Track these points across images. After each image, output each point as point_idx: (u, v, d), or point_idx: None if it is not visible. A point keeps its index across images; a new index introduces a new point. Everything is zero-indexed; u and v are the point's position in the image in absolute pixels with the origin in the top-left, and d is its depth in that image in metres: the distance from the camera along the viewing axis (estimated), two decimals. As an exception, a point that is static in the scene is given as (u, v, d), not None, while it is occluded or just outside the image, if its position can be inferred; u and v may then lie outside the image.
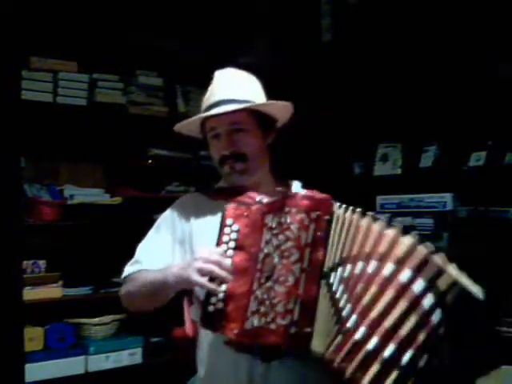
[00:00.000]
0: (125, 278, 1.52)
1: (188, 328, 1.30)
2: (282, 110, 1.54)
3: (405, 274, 1.11)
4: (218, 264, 1.23)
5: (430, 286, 1.10)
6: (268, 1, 3.54)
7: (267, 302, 1.21)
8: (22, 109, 2.73)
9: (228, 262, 1.25)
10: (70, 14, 3.00)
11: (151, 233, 1.56)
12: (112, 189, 3.17)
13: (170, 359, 3.04)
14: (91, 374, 2.91)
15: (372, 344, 1.10)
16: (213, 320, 1.25)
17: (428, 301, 1.09)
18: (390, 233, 1.16)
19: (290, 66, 3.46)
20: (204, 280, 1.23)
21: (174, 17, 3.28)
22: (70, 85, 2.98)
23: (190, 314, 1.34)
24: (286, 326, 1.19)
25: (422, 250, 1.12)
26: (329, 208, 1.24)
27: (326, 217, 1.22)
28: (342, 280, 1.19)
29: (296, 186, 1.58)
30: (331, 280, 1.20)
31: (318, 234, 1.22)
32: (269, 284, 1.23)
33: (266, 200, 1.32)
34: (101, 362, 2.94)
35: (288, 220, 1.24)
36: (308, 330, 1.18)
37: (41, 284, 2.84)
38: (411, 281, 1.11)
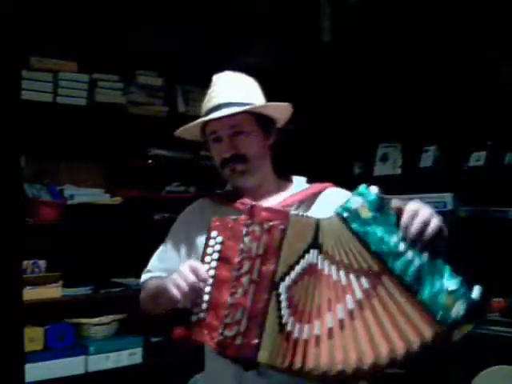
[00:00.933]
0: (141, 285, 1.62)
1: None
2: (281, 111, 1.55)
3: (310, 255, 1.23)
4: (191, 284, 1.26)
5: (318, 249, 1.23)
6: (268, 1, 3.54)
7: (225, 314, 1.24)
8: (22, 109, 2.73)
9: (204, 280, 1.27)
10: (70, 14, 3.00)
11: (164, 242, 1.63)
12: (112, 189, 3.17)
13: (170, 359, 3.04)
14: (91, 374, 2.90)
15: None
16: (196, 329, 1.27)
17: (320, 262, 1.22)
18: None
19: (290, 67, 3.46)
20: (178, 295, 1.26)
21: (174, 17, 3.28)
22: (70, 85, 2.98)
23: None
24: (232, 337, 1.21)
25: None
26: (285, 218, 1.26)
27: (281, 227, 1.24)
28: (287, 288, 1.23)
29: (299, 182, 1.58)
30: (280, 290, 1.23)
31: (270, 244, 1.24)
32: (229, 296, 1.25)
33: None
34: (101, 361, 2.94)
35: (244, 232, 1.27)
36: (255, 341, 1.20)
37: (41, 284, 2.84)
38: (313, 257, 1.23)
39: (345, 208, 1.21)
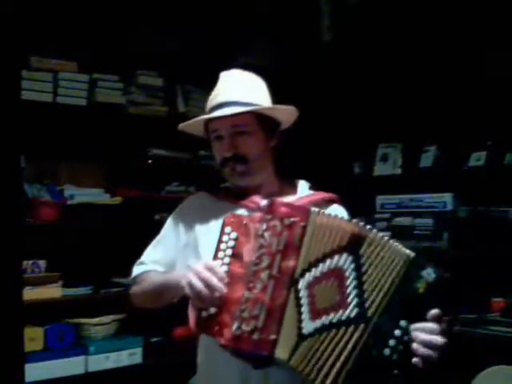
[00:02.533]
0: (133, 278, 1.58)
1: (192, 324, 1.30)
2: (286, 114, 1.54)
3: (342, 259, 1.21)
4: (206, 281, 1.24)
5: (354, 257, 1.20)
6: (268, 1, 3.54)
7: (241, 308, 1.24)
8: (22, 109, 2.73)
9: (217, 280, 1.25)
10: (70, 14, 3.00)
11: (159, 234, 1.61)
12: (112, 189, 3.17)
13: (170, 359, 3.04)
14: (91, 373, 2.90)
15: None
16: (206, 325, 1.27)
17: (349, 270, 1.20)
18: (340, 227, 1.23)
19: (290, 66, 3.46)
20: (192, 292, 1.25)
21: (174, 17, 3.28)
22: (70, 85, 2.98)
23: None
24: (249, 332, 1.21)
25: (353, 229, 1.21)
26: (305, 215, 1.25)
27: (302, 223, 1.24)
28: (308, 285, 1.22)
29: (303, 187, 1.58)
30: (299, 286, 1.22)
31: (291, 240, 1.24)
32: (245, 291, 1.25)
33: (265, 207, 1.33)
34: (101, 362, 2.94)
35: (264, 227, 1.26)
36: (272, 337, 1.20)
37: (41, 284, 2.84)
38: (344, 262, 1.21)
39: (419, 265, 1.18)
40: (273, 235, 1.24)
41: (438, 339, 1.14)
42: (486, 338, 2.75)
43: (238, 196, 1.50)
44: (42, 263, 2.90)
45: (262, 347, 1.20)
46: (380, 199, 3.32)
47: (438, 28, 3.13)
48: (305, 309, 1.21)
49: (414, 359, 1.14)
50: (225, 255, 1.30)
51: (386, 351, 1.15)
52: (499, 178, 2.89)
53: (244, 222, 1.31)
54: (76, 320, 2.98)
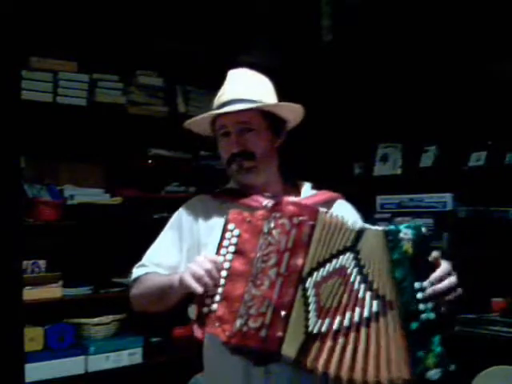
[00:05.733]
0: (133, 280, 1.54)
1: (196, 331, 1.30)
2: (292, 113, 1.55)
3: (345, 258, 1.24)
4: (209, 272, 1.25)
5: (355, 254, 1.24)
6: (268, 1, 3.54)
7: (247, 305, 1.24)
8: (22, 109, 2.73)
9: (219, 271, 1.27)
10: (70, 14, 3.00)
11: (160, 236, 1.58)
12: (112, 189, 3.17)
13: (170, 359, 3.04)
14: (91, 374, 2.90)
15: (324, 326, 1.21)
16: (206, 321, 1.26)
17: (351, 267, 1.23)
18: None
19: (290, 67, 3.46)
20: (194, 283, 1.25)
21: (174, 17, 3.28)
22: (69, 85, 2.98)
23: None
24: (256, 328, 1.21)
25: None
26: (314, 214, 1.26)
27: (310, 222, 1.24)
28: (315, 284, 1.23)
29: (306, 187, 1.58)
30: (307, 285, 1.23)
31: (299, 239, 1.24)
32: (250, 288, 1.25)
33: (270, 205, 1.33)
34: (101, 361, 2.94)
35: (272, 225, 1.27)
36: (279, 334, 1.20)
37: (41, 284, 2.84)
38: (347, 260, 1.24)
39: (393, 232, 1.23)
40: (281, 233, 1.25)
41: (452, 280, 1.23)
42: (486, 338, 2.75)
43: (242, 196, 1.50)
44: (42, 263, 2.90)
45: (269, 344, 1.20)
46: (380, 199, 3.33)
47: (438, 28, 3.13)
48: (312, 307, 1.22)
49: (443, 308, 1.21)
50: (227, 252, 1.29)
51: (423, 316, 1.19)
52: (499, 178, 2.89)
53: (247, 219, 1.31)
54: (76, 320, 2.98)
